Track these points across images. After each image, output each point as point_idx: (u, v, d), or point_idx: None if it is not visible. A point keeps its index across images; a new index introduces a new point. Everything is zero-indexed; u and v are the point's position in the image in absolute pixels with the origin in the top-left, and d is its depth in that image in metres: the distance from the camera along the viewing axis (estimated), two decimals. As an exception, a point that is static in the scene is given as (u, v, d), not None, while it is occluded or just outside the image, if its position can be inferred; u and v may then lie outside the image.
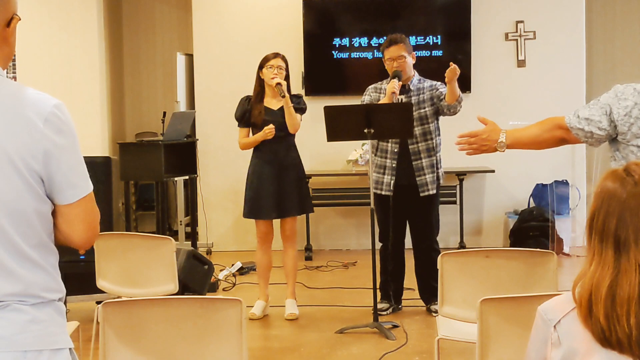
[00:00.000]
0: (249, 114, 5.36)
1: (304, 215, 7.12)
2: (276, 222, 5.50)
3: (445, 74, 4.99)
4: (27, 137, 1.79)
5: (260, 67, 5.35)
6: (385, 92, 5.31)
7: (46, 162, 1.81)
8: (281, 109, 5.31)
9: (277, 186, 5.34)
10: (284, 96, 5.20)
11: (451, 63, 4.98)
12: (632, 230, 1.68)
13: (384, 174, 5.37)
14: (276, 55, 5.34)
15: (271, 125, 5.27)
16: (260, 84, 5.38)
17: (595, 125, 2.81)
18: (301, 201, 5.43)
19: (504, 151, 3.08)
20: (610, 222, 1.70)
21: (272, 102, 5.36)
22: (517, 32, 7.80)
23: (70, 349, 1.89)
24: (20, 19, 1.92)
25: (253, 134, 5.41)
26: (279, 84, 5.19)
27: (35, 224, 1.83)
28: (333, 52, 7.83)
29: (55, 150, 1.82)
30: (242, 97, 5.46)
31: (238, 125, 5.44)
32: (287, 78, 5.34)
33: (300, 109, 5.36)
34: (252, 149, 5.44)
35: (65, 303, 1.96)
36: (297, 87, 7.74)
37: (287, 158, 5.39)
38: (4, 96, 1.83)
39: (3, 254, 1.80)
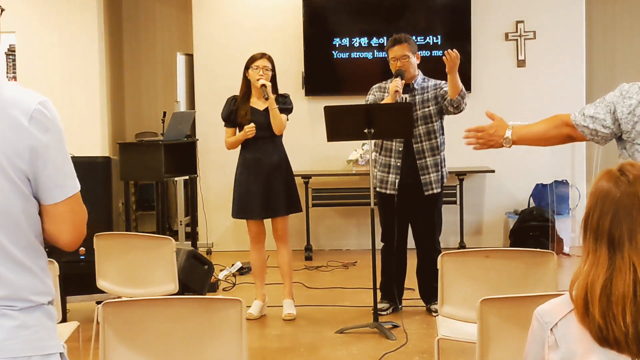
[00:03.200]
0: (235, 114, 5.36)
1: (304, 215, 7.13)
2: (268, 222, 5.49)
3: (445, 61, 4.93)
4: (12, 136, 1.74)
5: (247, 67, 5.34)
6: (389, 91, 5.31)
7: (32, 160, 1.76)
8: (267, 109, 5.30)
9: (265, 186, 5.33)
10: (267, 98, 5.20)
11: (453, 51, 4.90)
12: (625, 228, 1.69)
13: (389, 173, 5.37)
14: (262, 55, 5.33)
15: (252, 125, 5.26)
16: (246, 84, 5.38)
17: (599, 123, 2.82)
18: (289, 201, 5.41)
19: (509, 147, 3.08)
20: (604, 221, 1.71)
21: (258, 103, 5.35)
22: (517, 32, 7.80)
23: (61, 353, 1.84)
24: (4, 10, 1.85)
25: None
26: (263, 85, 5.19)
27: (23, 225, 1.79)
28: (333, 52, 7.83)
29: (41, 149, 1.77)
30: (229, 97, 5.46)
31: (224, 125, 5.45)
32: (273, 78, 5.33)
33: (286, 109, 5.35)
34: (239, 149, 5.45)
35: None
36: (297, 87, 7.75)
37: (274, 158, 5.36)
38: None
39: None
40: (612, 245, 1.70)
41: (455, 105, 5.18)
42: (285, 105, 5.34)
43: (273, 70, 5.33)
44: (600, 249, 1.71)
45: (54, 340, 1.83)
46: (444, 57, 4.94)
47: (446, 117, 5.46)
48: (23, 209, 1.78)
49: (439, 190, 5.38)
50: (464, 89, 5.15)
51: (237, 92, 5.45)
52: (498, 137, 3.07)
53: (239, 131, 5.39)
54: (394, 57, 5.30)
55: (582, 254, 1.76)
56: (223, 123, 5.46)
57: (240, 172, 5.42)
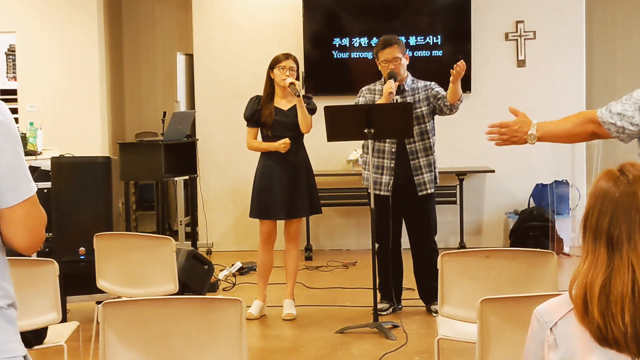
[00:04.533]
0: (259, 113, 5.35)
1: (304, 215, 7.13)
2: (279, 222, 5.48)
3: (453, 72, 4.96)
4: None
5: (271, 67, 5.34)
6: (379, 92, 5.32)
7: None
8: (291, 109, 5.32)
9: (288, 187, 5.33)
10: (299, 95, 5.20)
11: (461, 62, 4.96)
12: (624, 228, 1.69)
13: (382, 174, 5.38)
14: (288, 56, 5.32)
15: (287, 140, 5.26)
16: (270, 84, 5.37)
17: (627, 121, 2.78)
18: (311, 202, 5.42)
19: (534, 143, 3.03)
20: (603, 221, 1.71)
21: (282, 103, 5.36)
22: (517, 32, 7.80)
23: (24, 356, 1.83)
24: None
25: (262, 134, 5.41)
26: (292, 83, 5.19)
27: None
28: (333, 52, 7.83)
29: None
30: (252, 97, 5.45)
31: (247, 125, 5.43)
32: (297, 79, 5.33)
33: (311, 109, 5.36)
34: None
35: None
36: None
37: (297, 158, 5.38)
38: None
39: None
40: (610, 245, 1.70)
41: (453, 110, 5.23)
42: (309, 105, 5.35)
43: (297, 71, 5.34)
44: (599, 249, 1.71)
45: (15, 343, 1.81)
46: (452, 70, 4.95)
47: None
48: None
49: (432, 190, 5.40)
50: (462, 95, 5.19)
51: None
52: (522, 133, 3.02)
53: (262, 131, 5.39)
54: (386, 60, 5.30)
55: (581, 253, 1.76)
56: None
57: (262, 171, 5.41)
